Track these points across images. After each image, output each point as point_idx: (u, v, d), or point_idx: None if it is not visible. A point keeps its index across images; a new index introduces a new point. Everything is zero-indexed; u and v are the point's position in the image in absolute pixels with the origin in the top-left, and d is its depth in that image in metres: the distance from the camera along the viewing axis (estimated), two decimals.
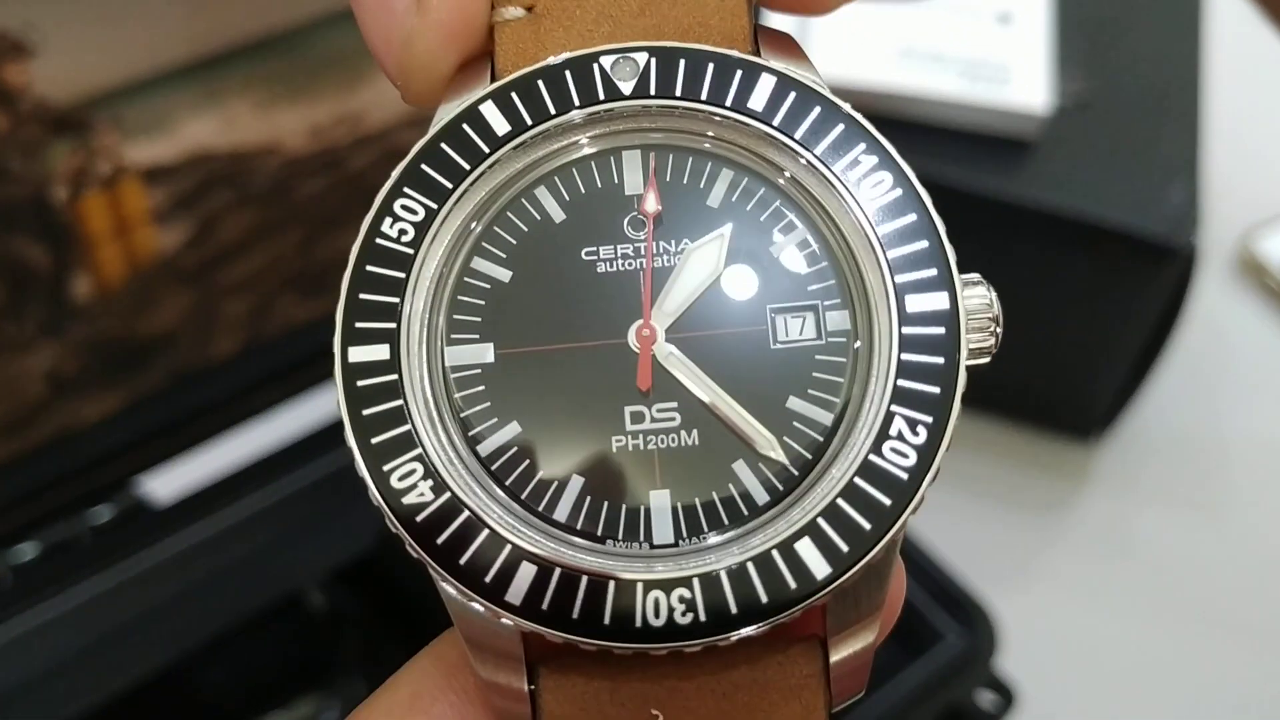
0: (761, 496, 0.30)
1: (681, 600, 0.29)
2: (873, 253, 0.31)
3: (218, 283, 0.64)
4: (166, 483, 0.68)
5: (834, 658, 0.30)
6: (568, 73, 0.32)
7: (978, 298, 0.32)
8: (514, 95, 0.32)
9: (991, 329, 0.32)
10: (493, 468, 0.31)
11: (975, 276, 0.32)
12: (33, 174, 0.56)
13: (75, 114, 0.55)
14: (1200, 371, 0.91)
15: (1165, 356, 0.83)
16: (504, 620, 0.29)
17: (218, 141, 0.60)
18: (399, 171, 0.32)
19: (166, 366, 0.65)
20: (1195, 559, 0.83)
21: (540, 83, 0.32)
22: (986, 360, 0.32)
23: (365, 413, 0.30)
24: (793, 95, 0.32)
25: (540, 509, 0.30)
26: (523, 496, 0.30)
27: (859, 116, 0.32)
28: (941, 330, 0.31)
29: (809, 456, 0.31)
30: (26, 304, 0.59)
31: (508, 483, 0.31)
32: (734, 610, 0.29)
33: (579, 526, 0.30)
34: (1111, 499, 0.86)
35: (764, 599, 0.29)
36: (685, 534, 0.30)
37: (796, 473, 0.31)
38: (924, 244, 0.31)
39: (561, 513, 0.30)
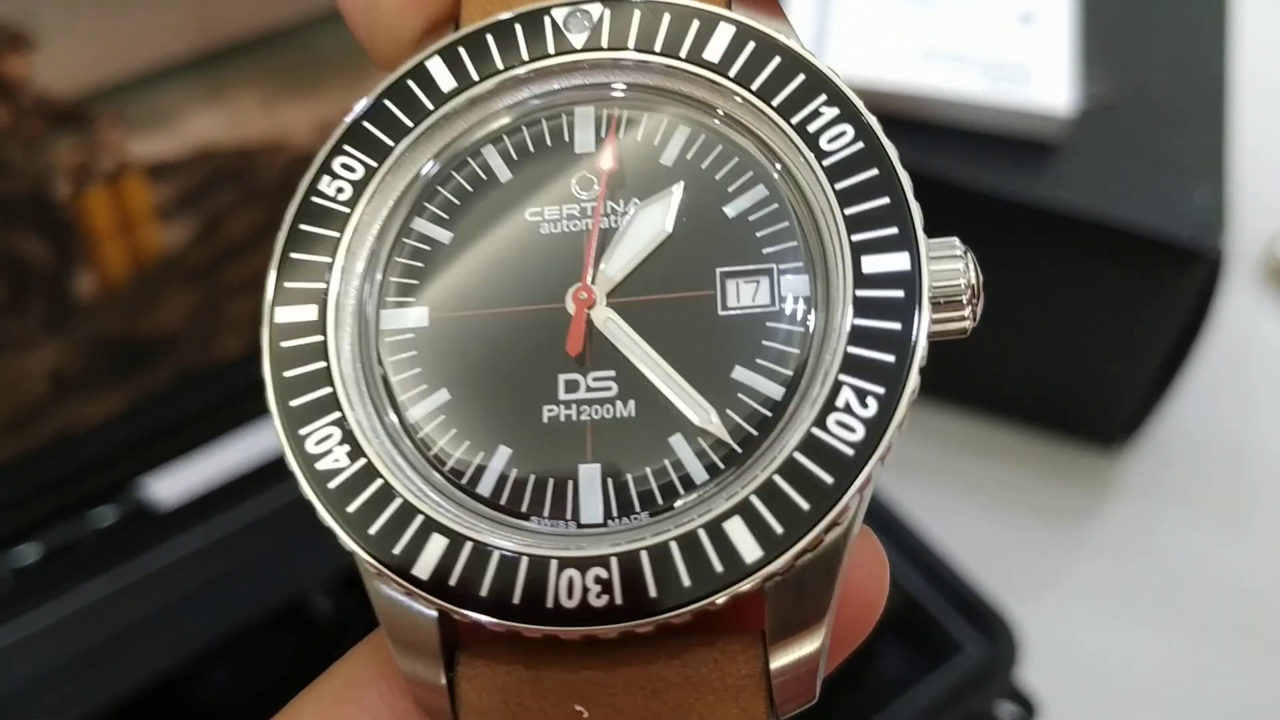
0: (700, 474, 0.28)
1: (597, 580, 0.26)
2: (829, 208, 0.28)
3: (223, 281, 0.63)
4: (170, 485, 0.67)
5: (774, 662, 0.27)
6: (518, 26, 0.31)
7: (949, 265, 0.29)
8: (461, 50, 0.31)
9: (967, 299, 0.29)
10: (417, 436, 0.29)
11: (954, 242, 0.29)
12: (35, 168, 0.55)
13: (78, 108, 0.55)
14: (1226, 378, 0.90)
15: (1190, 363, 0.81)
16: (413, 602, 0.27)
17: (223, 137, 0.59)
18: (341, 129, 0.31)
19: (171, 366, 0.64)
20: (1219, 568, 0.82)
21: (489, 37, 0.31)
22: (960, 336, 0.29)
23: (287, 374, 0.29)
24: (751, 45, 0.30)
25: (464, 483, 0.29)
26: (446, 468, 0.29)
27: (823, 68, 0.30)
28: (900, 293, 0.28)
29: (753, 431, 0.28)
30: (28, 301, 0.58)
31: (431, 453, 0.29)
32: (653, 593, 0.26)
33: (503, 502, 0.28)
34: (1135, 507, 0.85)
35: (686, 582, 0.26)
36: (615, 513, 0.28)
37: (739, 449, 0.28)
38: (885, 200, 0.29)
39: (485, 487, 0.28)
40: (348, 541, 0.27)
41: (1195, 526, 0.84)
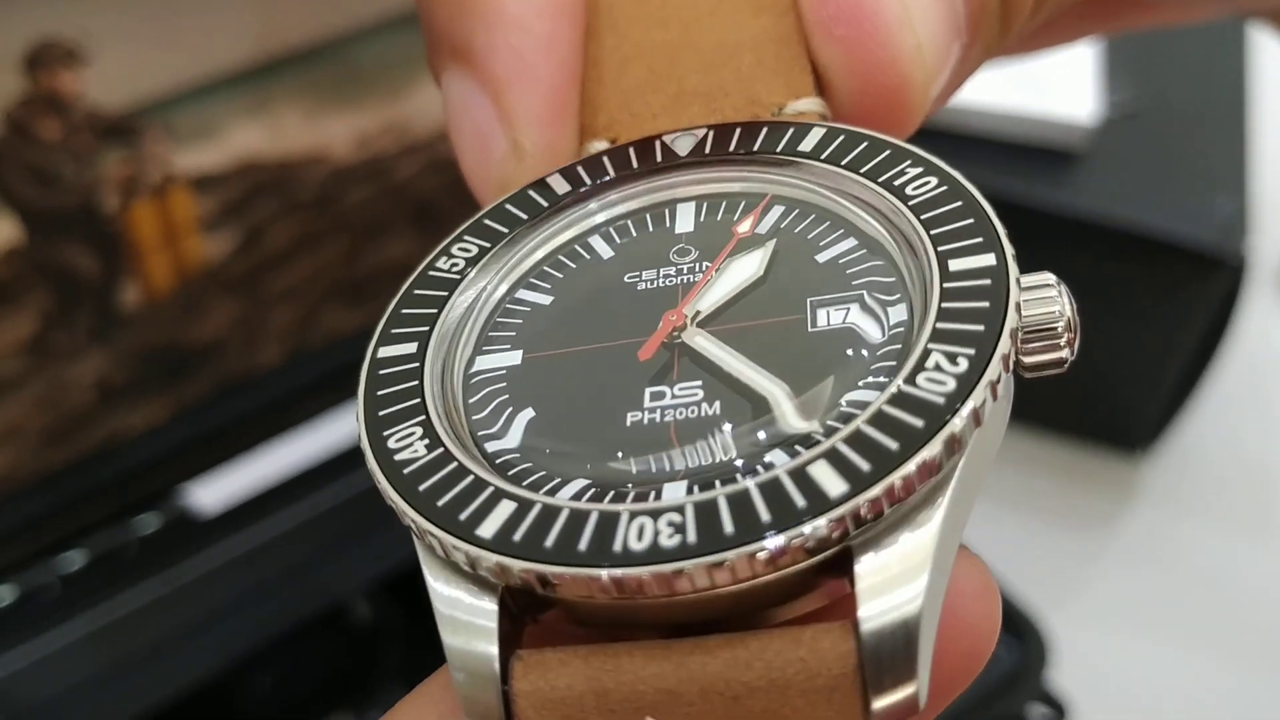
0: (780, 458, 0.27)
1: (670, 524, 0.25)
2: (918, 235, 0.29)
3: (264, 291, 0.64)
4: (212, 492, 0.68)
5: (864, 626, 0.24)
6: (631, 149, 0.33)
7: (1044, 295, 0.29)
8: (579, 168, 0.33)
9: (1063, 329, 0.29)
10: (500, 460, 0.29)
11: (1049, 277, 0.29)
12: (84, 181, 0.56)
13: (126, 122, 0.56)
14: (1249, 385, 0.90)
15: (1213, 370, 0.82)
16: (472, 595, 0.26)
17: (266, 150, 0.60)
18: (466, 225, 0.33)
19: (213, 375, 0.65)
20: (1240, 573, 0.82)
21: (604, 157, 0.33)
22: (1059, 369, 0.29)
23: (379, 393, 0.30)
24: (841, 137, 0.32)
25: (544, 491, 0.28)
26: (525, 484, 0.28)
27: (907, 145, 0.31)
28: (987, 281, 0.28)
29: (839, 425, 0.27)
30: (76, 312, 0.59)
31: (513, 472, 0.28)
32: (728, 529, 0.25)
33: (584, 501, 0.27)
34: (1158, 513, 0.86)
35: (766, 517, 0.25)
36: (697, 492, 0.27)
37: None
38: (969, 220, 0.29)
39: (566, 494, 0.27)
40: (409, 511, 0.27)
41: (1217, 532, 0.85)
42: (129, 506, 0.65)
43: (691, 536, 0.25)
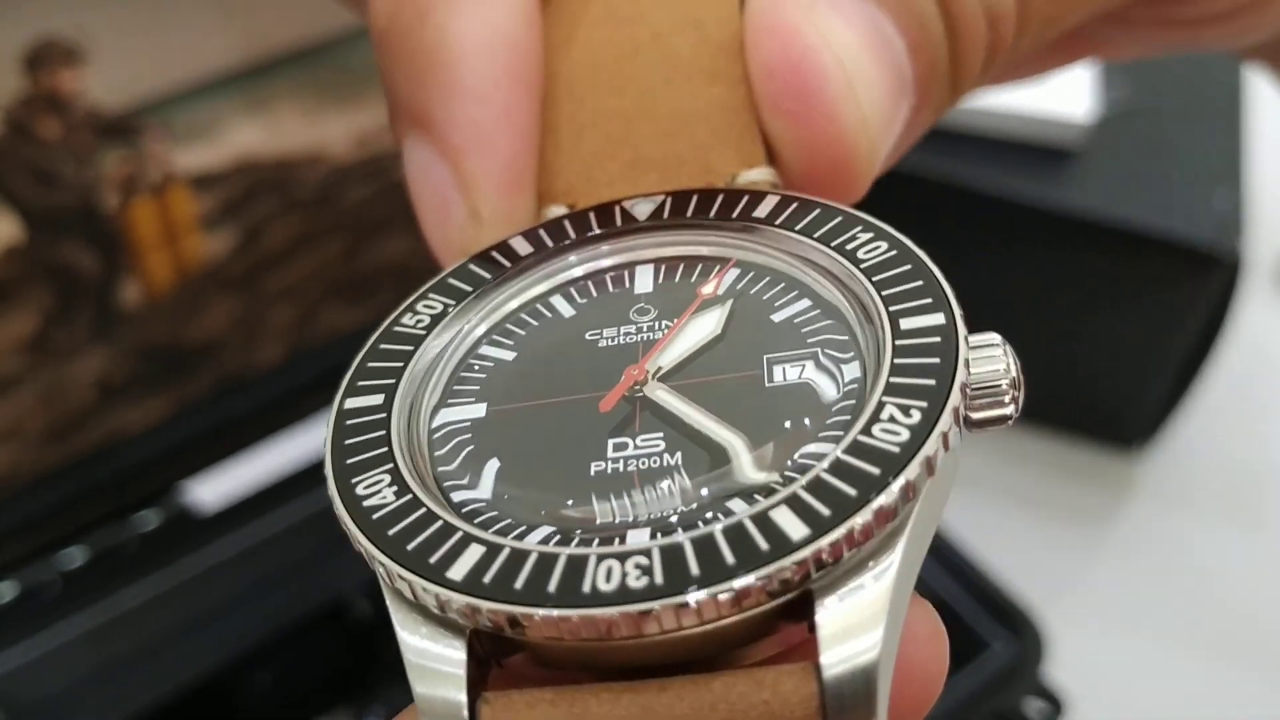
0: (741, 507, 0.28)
1: (637, 566, 0.26)
2: (868, 295, 0.31)
3: (263, 289, 0.64)
4: (212, 489, 0.68)
5: (827, 672, 0.26)
6: (591, 213, 0.34)
7: (989, 353, 0.30)
8: (541, 231, 0.34)
9: (1008, 387, 0.29)
10: (466, 510, 0.29)
11: (995, 337, 0.30)
12: (84, 180, 0.56)
13: (126, 120, 0.56)
14: (1245, 382, 0.91)
15: (1209, 367, 0.82)
16: (444, 636, 0.26)
17: (265, 148, 0.60)
18: (429, 284, 0.34)
19: (212, 373, 0.65)
20: (1235, 569, 0.83)
21: (565, 221, 0.34)
22: (1006, 420, 0.30)
23: (347, 442, 0.30)
24: (795, 205, 0.33)
25: (511, 538, 0.28)
26: (491, 530, 0.28)
27: (858, 212, 0.33)
28: (937, 339, 0.29)
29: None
30: (77, 310, 0.59)
31: (479, 520, 0.29)
32: (695, 571, 0.25)
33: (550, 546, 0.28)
34: (1154, 509, 0.86)
35: (730, 560, 0.25)
36: (660, 538, 0.27)
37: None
38: (919, 283, 0.30)
39: (531, 542, 0.28)
40: (378, 555, 0.27)
41: (1212, 528, 0.85)
42: (129, 504, 0.65)
43: (659, 578, 0.25)
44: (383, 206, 0.66)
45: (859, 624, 0.26)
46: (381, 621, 0.68)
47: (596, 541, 0.27)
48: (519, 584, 0.26)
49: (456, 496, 0.30)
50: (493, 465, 0.30)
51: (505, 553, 0.27)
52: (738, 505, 0.27)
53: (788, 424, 0.29)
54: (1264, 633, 0.80)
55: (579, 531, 0.28)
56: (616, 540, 0.27)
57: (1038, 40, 0.40)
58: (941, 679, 0.29)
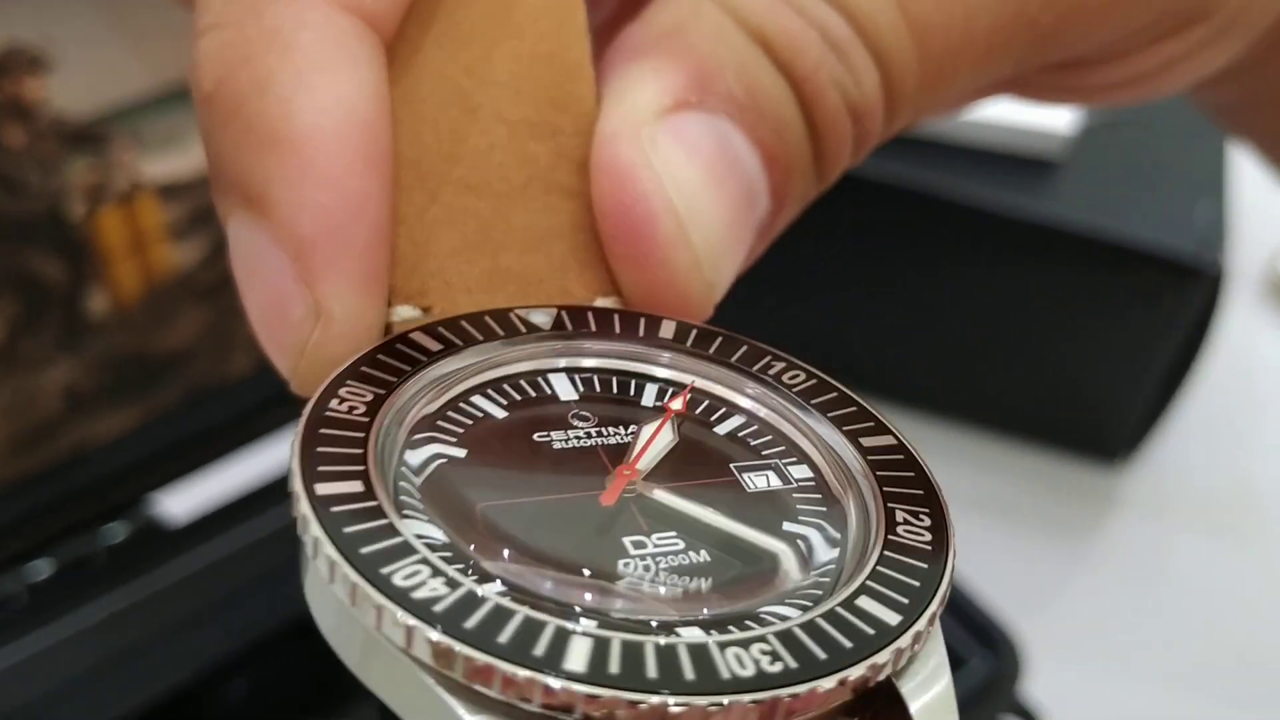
0: (790, 613, 0.29)
1: (764, 651, 0.26)
2: (813, 416, 0.33)
3: (233, 300, 0.64)
4: (182, 501, 0.68)
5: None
6: (487, 317, 0.34)
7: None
8: (441, 329, 0.33)
9: None
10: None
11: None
12: (50, 189, 0.55)
13: (92, 129, 0.55)
14: (1227, 395, 0.91)
15: (1192, 379, 0.82)
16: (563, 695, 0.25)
17: None
18: (337, 372, 0.31)
19: (182, 383, 0.65)
20: (1220, 584, 0.83)
21: (464, 321, 0.34)
22: None
23: (347, 530, 0.27)
24: (695, 331, 0.35)
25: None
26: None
27: (752, 341, 0.35)
28: (901, 456, 0.32)
29: (829, 567, 0.30)
30: (43, 320, 0.59)
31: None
32: (822, 655, 0.26)
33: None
34: (1136, 521, 0.86)
35: (847, 644, 0.27)
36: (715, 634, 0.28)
37: (824, 579, 0.30)
38: (854, 408, 0.34)
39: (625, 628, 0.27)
40: (476, 656, 0.25)
41: (1195, 541, 0.85)
42: (97, 515, 0.65)
43: (791, 662, 0.26)
44: None
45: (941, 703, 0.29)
46: None
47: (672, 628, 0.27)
48: (653, 673, 0.25)
49: (487, 589, 0.27)
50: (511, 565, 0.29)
51: (619, 643, 0.26)
52: (789, 610, 0.29)
53: (784, 523, 0.31)
54: (1245, 648, 0.79)
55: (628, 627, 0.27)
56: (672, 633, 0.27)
57: (915, 120, 0.39)
58: None
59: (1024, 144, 0.80)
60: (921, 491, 0.31)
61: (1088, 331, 0.82)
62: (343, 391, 0.31)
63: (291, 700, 0.69)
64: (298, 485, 0.28)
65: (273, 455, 0.68)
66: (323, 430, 0.29)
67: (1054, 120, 0.79)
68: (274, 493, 0.66)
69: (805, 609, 0.29)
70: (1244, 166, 0.85)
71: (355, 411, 0.30)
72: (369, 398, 0.31)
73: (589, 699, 0.25)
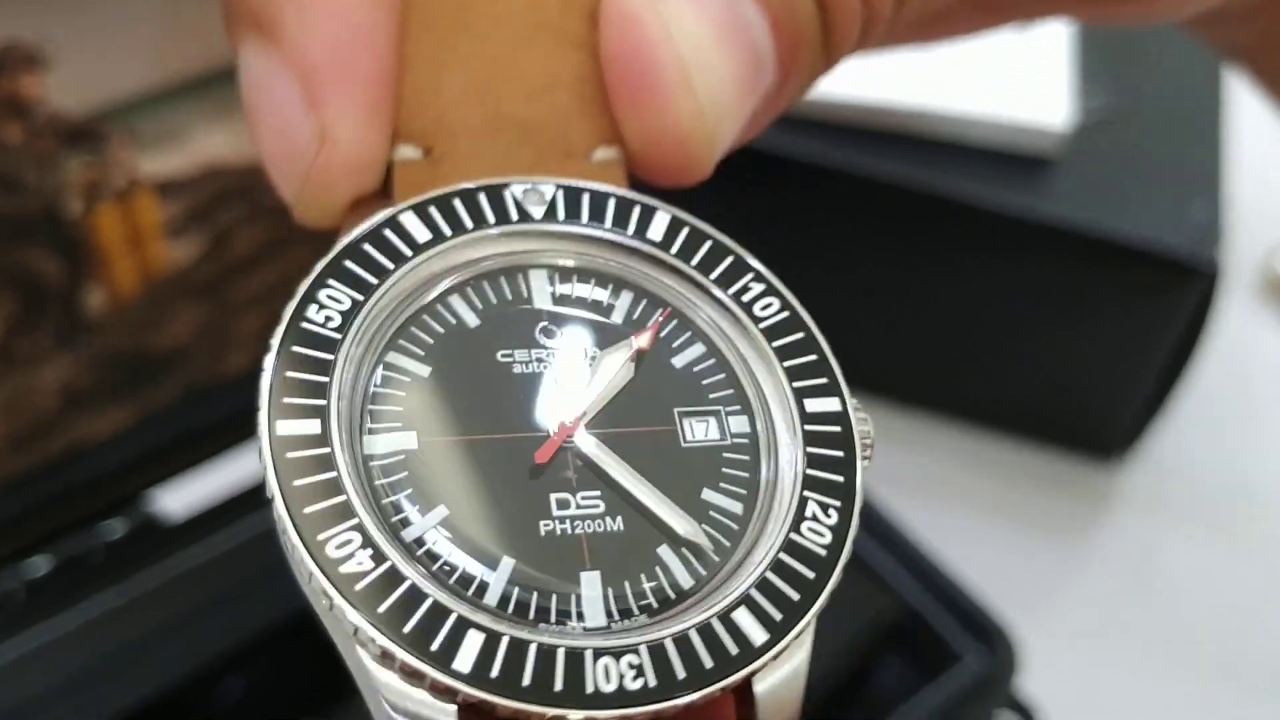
0: (686, 580, 0.31)
1: (631, 666, 0.29)
2: (772, 364, 0.34)
3: (230, 297, 0.64)
4: (179, 498, 0.68)
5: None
6: (482, 195, 0.34)
7: (860, 414, 0.34)
8: (432, 209, 0.34)
9: (869, 444, 0.34)
10: (419, 552, 0.30)
11: (852, 398, 0.34)
12: (47, 186, 0.56)
13: (90, 126, 0.55)
14: (1223, 392, 0.91)
15: (1188, 377, 0.82)
16: (432, 707, 0.28)
17: (230, 155, 0.60)
18: (322, 265, 0.33)
19: (179, 381, 0.65)
20: (1216, 581, 0.83)
21: (457, 200, 0.34)
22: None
23: (296, 483, 0.29)
24: (686, 230, 0.35)
25: (470, 593, 0.30)
26: (453, 580, 0.30)
27: (744, 252, 0.35)
28: (838, 428, 0.33)
29: (727, 544, 0.32)
30: (41, 317, 0.59)
31: (437, 565, 0.30)
32: (681, 675, 0.29)
33: (510, 610, 0.30)
34: (1133, 520, 0.86)
35: (709, 664, 0.29)
36: (616, 616, 0.31)
37: (718, 558, 0.32)
38: (814, 357, 0.34)
39: (492, 597, 0.30)
40: (384, 641, 0.28)
41: (1191, 539, 0.85)
42: (95, 512, 0.65)
43: (651, 680, 0.29)
44: None
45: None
46: None
47: (561, 622, 0.30)
48: (526, 680, 0.28)
49: (411, 532, 0.31)
50: (440, 512, 0.31)
51: (505, 643, 0.29)
52: (666, 554, 0.31)
53: (705, 489, 0.33)
54: (1239, 644, 0.80)
55: (536, 581, 0.30)
56: (574, 596, 0.30)
57: (925, 9, 0.40)
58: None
59: (1019, 141, 0.80)
60: (842, 479, 0.32)
61: (1083, 329, 0.82)
62: (322, 295, 0.32)
63: (289, 696, 0.69)
64: (263, 419, 0.30)
65: None
66: (295, 348, 0.31)
67: (1049, 117, 0.79)
68: None
69: (685, 611, 0.31)
70: (1240, 164, 0.85)
71: (330, 324, 0.32)
72: (346, 305, 0.32)
73: (468, 695, 0.28)
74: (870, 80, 0.79)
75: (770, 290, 0.35)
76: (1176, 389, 0.83)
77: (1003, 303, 0.83)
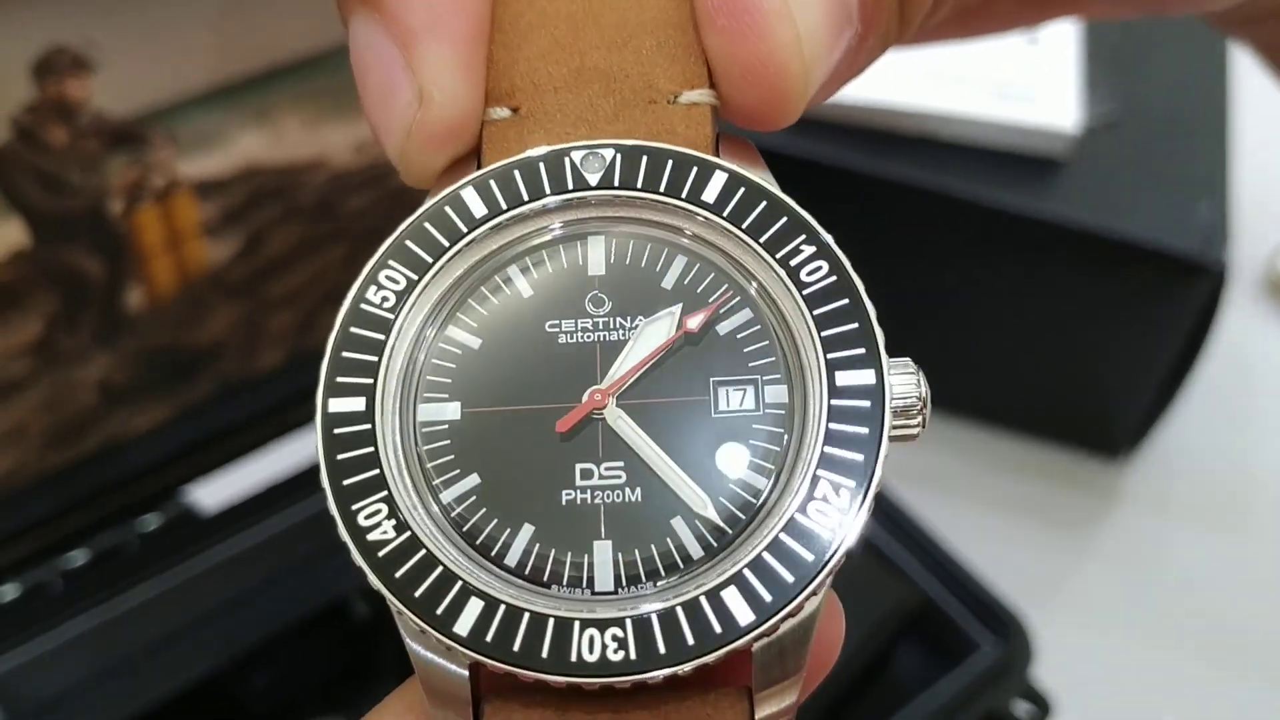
0: (696, 551, 0.33)
1: (614, 639, 0.31)
2: (808, 332, 0.34)
3: (264, 296, 0.65)
4: (213, 492, 0.69)
5: (759, 713, 0.32)
6: (541, 165, 0.35)
7: (905, 380, 0.34)
8: (492, 183, 0.35)
9: (918, 409, 0.34)
10: (452, 515, 0.33)
11: (908, 362, 0.34)
12: (90, 187, 0.57)
13: (132, 128, 0.57)
14: (1229, 391, 0.92)
15: (1194, 375, 0.83)
16: (450, 658, 0.31)
17: (267, 156, 0.61)
18: (385, 246, 0.35)
19: (214, 377, 0.66)
20: (1221, 575, 0.84)
21: (516, 172, 0.35)
22: (912, 438, 0.34)
23: (339, 457, 0.32)
24: (742, 190, 0.35)
25: (492, 555, 0.33)
26: (477, 543, 0.33)
27: (802, 211, 0.35)
28: (867, 403, 0.33)
29: (742, 517, 0.33)
30: (81, 315, 0.60)
31: (464, 529, 0.33)
32: (662, 650, 0.31)
33: (527, 573, 0.33)
34: (1140, 516, 0.87)
35: (690, 641, 0.31)
36: (625, 583, 0.32)
37: (729, 530, 0.33)
38: (854, 325, 0.34)
39: (511, 559, 0.33)
40: (395, 603, 0.31)
41: (1197, 534, 0.86)
42: (131, 506, 0.66)
43: (633, 653, 0.31)
44: (382, 213, 0.67)
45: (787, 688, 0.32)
46: (380, 623, 0.69)
47: (572, 587, 0.32)
48: (516, 646, 0.31)
49: (445, 497, 0.33)
50: (472, 480, 0.33)
51: (502, 611, 0.31)
52: (680, 526, 0.33)
53: (726, 467, 0.33)
54: (1246, 635, 0.81)
55: (552, 547, 0.33)
56: (586, 563, 0.32)
57: None
58: (839, 643, 0.34)
59: (1029, 143, 0.81)
60: (860, 458, 0.33)
61: (1092, 328, 0.83)
62: (381, 276, 0.34)
63: (319, 687, 0.70)
64: (318, 397, 0.33)
65: (302, 447, 0.69)
66: (352, 329, 0.34)
67: (1059, 120, 0.80)
68: (304, 483, 0.68)
69: (681, 582, 0.32)
70: (1246, 166, 0.86)
71: (385, 305, 0.34)
72: (401, 285, 0.34)
73: (464, 655, 0.31)
74: (882, 83, 0.80)
75: (822, 253, 0.35)
76: (1183, 387, 0.84)
77: (1012, 302, 0.84)
